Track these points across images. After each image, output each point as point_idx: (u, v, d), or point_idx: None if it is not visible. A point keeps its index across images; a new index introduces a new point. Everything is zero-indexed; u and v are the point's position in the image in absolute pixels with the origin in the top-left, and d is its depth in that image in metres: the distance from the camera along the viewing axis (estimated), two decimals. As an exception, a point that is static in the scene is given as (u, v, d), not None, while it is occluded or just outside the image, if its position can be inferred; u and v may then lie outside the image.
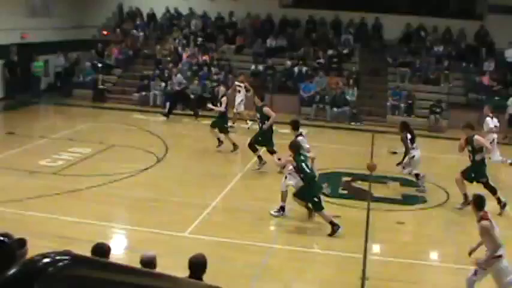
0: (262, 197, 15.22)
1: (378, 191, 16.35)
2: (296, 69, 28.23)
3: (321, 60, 28.73)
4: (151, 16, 32.92)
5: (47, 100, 27.51)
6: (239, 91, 24.01)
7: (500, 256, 9.06)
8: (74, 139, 20.01)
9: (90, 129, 22.52)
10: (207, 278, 7.22)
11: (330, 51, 29.13)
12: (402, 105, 26.60)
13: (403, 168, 16.24)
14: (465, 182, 14.92)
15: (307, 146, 15.19)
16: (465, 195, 14.66)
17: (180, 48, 30.23)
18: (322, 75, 27.55)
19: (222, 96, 19.87)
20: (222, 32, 31.51)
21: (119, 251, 11.50)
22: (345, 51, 29.43)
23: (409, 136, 16.03)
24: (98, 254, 7.05)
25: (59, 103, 25.87)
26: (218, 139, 19.53)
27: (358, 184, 17.06)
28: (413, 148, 15.99)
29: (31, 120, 22.19)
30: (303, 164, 13.13)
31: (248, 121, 23.35)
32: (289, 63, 28.51)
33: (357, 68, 28.81)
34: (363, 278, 10.84)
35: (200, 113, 24.81)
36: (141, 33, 31.98)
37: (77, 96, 28.50)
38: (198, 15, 32.28)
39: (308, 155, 14.14)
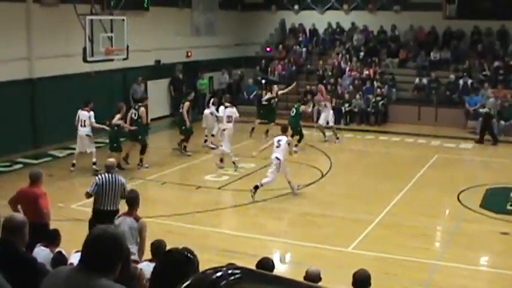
0: (428, 213, 15.09)
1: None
2: (461, 81, 27.57)
3: (487, 72, 27.88)
4: (314, 32, 33.38)
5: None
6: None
7: None
8: (239, 155, 20.65)
9: (254, 145, 23.13)
10: (371, 294, 7.36)
11: (496, 63, 28.18)
12: None
13: None
14: None
15: None
16: None
17: (342, 63, 30.46)
18: (488, 88, 26.71)
19: None
20: (384, 45, 31.40)
21: (283, 265, 11.82)
22: (512, 63, 28.37)
23: None
24: (264, 269, 7.32)
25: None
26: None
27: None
28: None
29: (197, 136, 23.03)
30: None
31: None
32: (453, 76, 27.88)
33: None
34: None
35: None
36: (304, 49, 32.52)
37: (242, 112, 29.36)
38: (360, 29, 32.33)
39: None
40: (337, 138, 23.65)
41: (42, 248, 8.47)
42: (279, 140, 16.43)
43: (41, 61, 21.08)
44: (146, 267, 7.45)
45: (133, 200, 9.40)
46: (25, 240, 5.95)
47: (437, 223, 14.96)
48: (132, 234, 9.16)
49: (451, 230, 14.12)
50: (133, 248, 8.98)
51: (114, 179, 10.98)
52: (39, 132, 21.35)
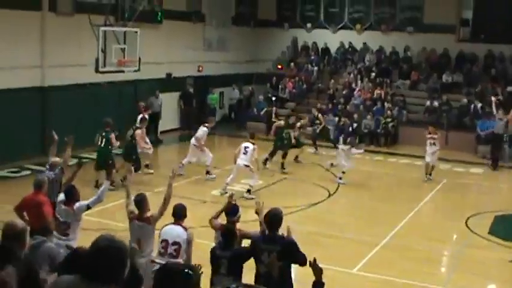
0: (435, 237, 14.95)
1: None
2: (472, 105, 27.39)
3: (500, 97, 27.74)
4: (326, 50, 33.35)
5: (221, 131, 28.42)
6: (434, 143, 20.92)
7: None
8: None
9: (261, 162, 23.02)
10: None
11: (510, 88, 28.04)
12: None
13: None
14: None
15: None
16: None
17: (353, 83, 30.40)
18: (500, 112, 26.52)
19: None
20: (396, 66, 31.34)
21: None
22: (525, 87, 28.21)
23: None
24: (273, 219, 8.52)
25: (233, 135, 26.75)
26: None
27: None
28: None
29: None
30: None
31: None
32: (465, 100, 27.73)
33: (539, 105, 27.44)
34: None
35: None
36: (315, 68, 32.49)
37: (251, 128, 29.29)
38: (372, 49, 32.31)
39: None
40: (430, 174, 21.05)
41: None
42: (246, 147, 18.03)
43: (53, 69, 21.15)
44: (169, 230, 9.73)
45: (139, 203, 10.08)
46: (24, 246, 5.96)
47: (444, 248, 14.81)
48: (147, 239, 9.93)
49: (458, 256, 13.98)
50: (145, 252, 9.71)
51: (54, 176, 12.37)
52: (49, 139, 21.31)
